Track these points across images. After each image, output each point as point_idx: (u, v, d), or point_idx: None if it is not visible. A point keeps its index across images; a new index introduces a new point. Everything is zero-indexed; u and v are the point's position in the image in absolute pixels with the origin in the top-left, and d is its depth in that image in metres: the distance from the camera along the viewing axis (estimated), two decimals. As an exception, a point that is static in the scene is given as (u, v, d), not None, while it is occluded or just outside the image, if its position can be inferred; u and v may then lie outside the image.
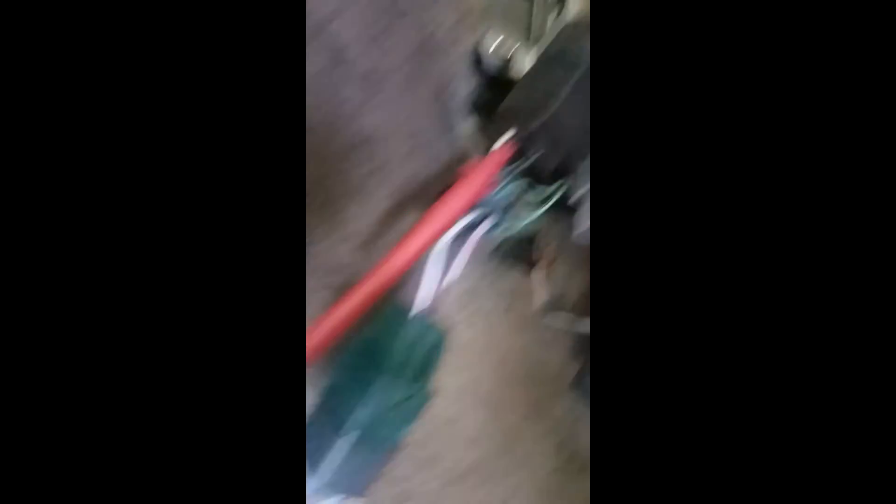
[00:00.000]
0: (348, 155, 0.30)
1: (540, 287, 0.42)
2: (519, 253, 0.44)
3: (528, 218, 0.31)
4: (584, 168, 0.29)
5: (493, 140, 0.27)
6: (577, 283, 0.42)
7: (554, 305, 0.41)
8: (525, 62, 0.39)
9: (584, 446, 0.39)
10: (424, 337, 0.26)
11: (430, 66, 0.28)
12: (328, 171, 0.29)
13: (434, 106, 0.31)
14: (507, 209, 0.30)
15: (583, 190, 0.34)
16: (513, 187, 0.29)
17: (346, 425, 0.24)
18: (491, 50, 0.37)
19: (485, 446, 0.37)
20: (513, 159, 0.27)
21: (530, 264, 0.44)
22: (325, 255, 0.31)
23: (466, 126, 0.31)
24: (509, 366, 0.40)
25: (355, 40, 0.27)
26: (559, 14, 0.39)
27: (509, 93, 0.36)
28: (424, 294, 0.27)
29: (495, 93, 0.38)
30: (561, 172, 0.31)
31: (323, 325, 0.24)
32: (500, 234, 0.32)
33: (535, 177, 0.29)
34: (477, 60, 0.32)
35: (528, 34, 0.41)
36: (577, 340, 0.42)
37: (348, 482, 0.24)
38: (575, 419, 0.40)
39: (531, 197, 0.31)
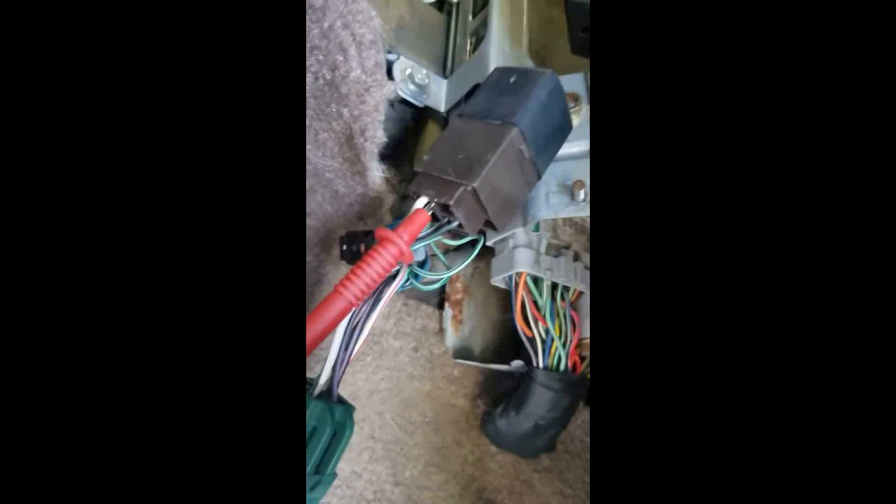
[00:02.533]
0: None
1: (448, 326, 0.41)
2: (426, 292, 0.42)
3: (442, 273, 0.30)
4: (510, 221, 0.28)
5: (413, 190, 0.25)
6: (486, 321, 0.41)
7: (458, 346, 0.41)
8: (440, 95, 0.37)
9: (490, 480, 0.39)
10: (327, 421, 0.24)
11: (339, 105, 0.26)
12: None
13: (343, 147, 0.28)
14: (421, 264, 0.29)
15: (505, 233, 0.33)
16: (428, 245, 0.27)
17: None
18: (403, 77, 0.35)
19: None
20: (430, 223, 0.25)
21: (439, 304, 0.43)
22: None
23: (379, 171, 0.29)
24: (413, 410, 0.39)
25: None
26: (475, 48, 0.38)
27: (427, 146, 0.34)
28: (328, 373, 0.25)
29: (410, 134, 0.36)
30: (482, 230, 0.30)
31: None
32: (411, 286, 0.30)
33: (453, 235, 0.28)
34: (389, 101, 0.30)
35: (443, 65, 0.39)
36: (485, 379, 0.42)
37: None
38: (479, 458, 0.40)
39: (447, 245, 0.30)
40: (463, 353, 0.40)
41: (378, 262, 0.25)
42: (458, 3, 0.41)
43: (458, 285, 0.41)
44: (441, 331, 0.42)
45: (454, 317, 0.41)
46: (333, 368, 0.26)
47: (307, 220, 0.34)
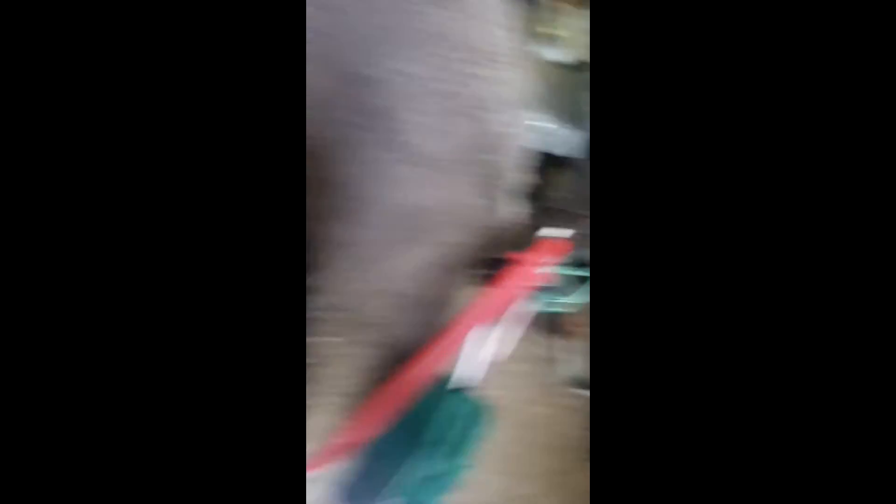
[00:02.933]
0: (391, 218, 0.33)
1: (565, 356, 0.43)
2: (550, 321, 0.45)
3: (573, 297, 0.33)
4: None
5: (544, 225, 0.29)
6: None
7: (577, 375, 0.42)
8: (570, 142, 0.41)
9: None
10: (464, 412, 0.28)
11: (484, 154, 0.31)
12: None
13: (486, 188, 0.34)
14: (547, 291, 0.32)
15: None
16: (563, 271, 0.31)
17: (385, 492, 0.25)
18: (537, 128, 0.39)
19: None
20: (558, 254, 0.29)
21: (559, 333, 0.45)
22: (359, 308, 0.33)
23: (517, 208, 0.34)
24: (532, 432, 0.41)
25: (415, 128, 0.30)
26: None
27: (563, 180, 0.38)
28: (465, 369, 0.29)
29: (545, 175, 0.40)
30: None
31: (378, 397, 0.26)
32: (543, 309, 0.33)
33: (578, 265, 0.31)
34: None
35: (573, 116, 0.43)
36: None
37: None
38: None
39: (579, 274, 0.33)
40: (581, 383, 0.42)
41: (508, 287, 0.28)
42: (585, 62, 0.46)
43: (579, 316, 0.43)
44: (560, 359, 0.44)
45: (573, 346, 0.43)
46: (467, 370, 0.30)
47: (445, 250, 0.40)
